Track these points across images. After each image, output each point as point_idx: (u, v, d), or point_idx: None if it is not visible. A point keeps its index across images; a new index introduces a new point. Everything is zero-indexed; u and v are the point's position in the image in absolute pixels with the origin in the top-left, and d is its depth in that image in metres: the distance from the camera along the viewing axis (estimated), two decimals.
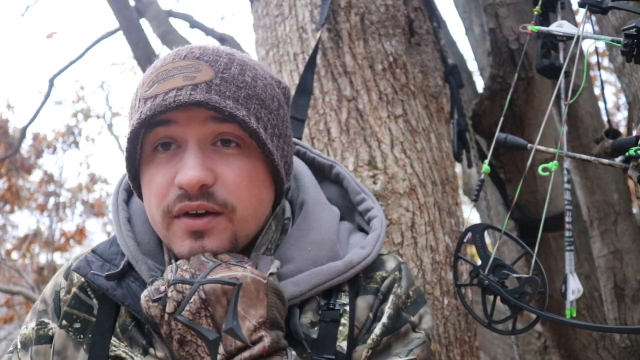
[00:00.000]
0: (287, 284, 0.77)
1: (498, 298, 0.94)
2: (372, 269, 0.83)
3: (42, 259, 7.66)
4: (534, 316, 0.94)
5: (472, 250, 1.22)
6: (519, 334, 0.99)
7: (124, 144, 0.78)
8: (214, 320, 0.66)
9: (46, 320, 0.85)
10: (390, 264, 0.85)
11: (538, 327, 2.39)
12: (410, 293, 0.83)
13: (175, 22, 3.96)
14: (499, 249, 1.98)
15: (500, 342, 2.70)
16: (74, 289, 0.84)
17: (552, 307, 1.86)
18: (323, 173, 0.97)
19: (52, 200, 7.95)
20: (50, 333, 0.83)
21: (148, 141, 0.76)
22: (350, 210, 0.94)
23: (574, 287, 1.15)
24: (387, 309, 0.79)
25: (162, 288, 0.69)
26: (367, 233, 0.88)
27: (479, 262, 0.96)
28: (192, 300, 0.66)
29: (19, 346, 0.85)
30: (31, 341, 0.84)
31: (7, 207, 7.48)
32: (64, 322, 0.82)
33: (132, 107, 0.77)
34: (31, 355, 0.83)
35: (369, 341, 0.77)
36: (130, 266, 0.81)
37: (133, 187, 0.82)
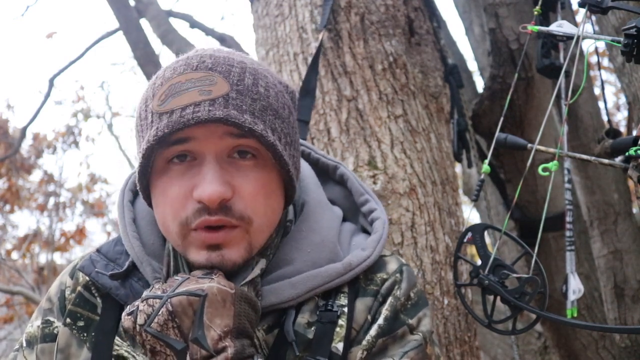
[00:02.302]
0: (285, 286, 0.78)
1: (498, 298, 0.94)
2: (372, 270, 0.83)
3: (42, 259, 7.66)
4: (534, 316, 0.94)
5: (472, 250, 1.22)
6: (519, 334, 0.99)
7: (138, 158, 0.76)
8: (181, 330, 0.67)
9: (51, 319, 0.85)
10: (392, 265, 0.85)
11: (538, 327, 2.39)
12: (411, 295, 0.83)
13: (175, 22, 3.96)
14: (499, 249, 1.98)
15: (500, 342, 2.70)
16: (78, 288, 0.85)
17: (552, 307, 1.86)
18: (327, 174, 0.97)
19: (52, 200, 7.95)
20: (55, 332, 0.84)
21: (162, 155, 0.75)
22: (354, 212, 0.94)
23: (575, 287, 1.15)
24: (384, 311, 0.79)
25: (136, 303, 0.70)
26: (370, 234, 0.88)
27: (479, 262, 0.96)
28: (160, 312, 0.67)
29: (24, 344, 0.86)
30: (36, 339, 0.85)
31: (7, 207, 7.48)
32: (68, 320, 0.82)
33: (144, 120, 0.76)
34: (36, 353, 0.84)
35: (364, 342, 0.77)
36: (134, 266, 0.82)
37: (144, 197, 0.82)
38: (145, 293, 0.71)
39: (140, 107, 0.78)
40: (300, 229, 0.84)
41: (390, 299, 0.80)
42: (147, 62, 3.13)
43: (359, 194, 0.93)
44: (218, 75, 0.73)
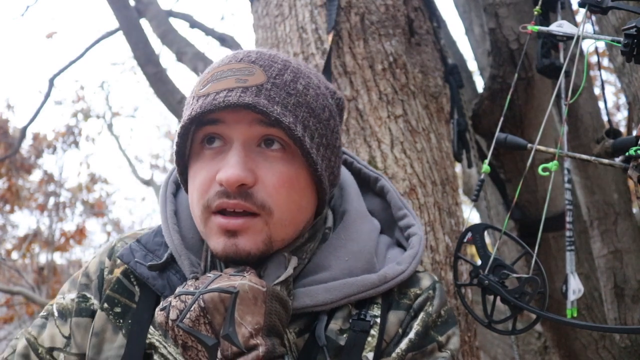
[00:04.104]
0: (320, 289, 0.79)
1: (498, 298, 0.94)
2: (406, 285, 0.84)
3: (42, 259, 7.67)
4: (534, 316, 0.94)
5: (472, 250, 1.22)
6: (519, 334, 0.99)
7: (175, 138, 0.80)
8: (213, 326, 0.68)
9: (88, 295, 0.87)
10: (425, 282, 0.86)
11: (538, 327, 2.39)
12: (442, 312, 0.84)
13: (175, 22, 3.96)
14: (499, 249, 1.98)
15: (500, 342, 2.70)
16: (117, 272, 0.87)
17: (552, 307, 1.86)
18: (368, 185, 0.98)
19: (52, 200, 7.96)
20: (91, 308, 0.86)
21: (197, 138, 0.78)
22: (391, 225, 0.94)
23: (575, 287, 1.15)
24: (416, 326, 0.80)
25: (169, 299, 0.71)
26: (404, 249, 0.89)
27: (479, 262, 0.96)
28: (192, 308, 0.68)
29: (55, 314, 0.87)
30: (70, 312, 0.86)
31: (7, 207, 7.48)
32: (106, 305, 0.84)
33: (187, 104, 0.80)
34: (71, 326, 0.85)
35: (394, 355, 0.78)
36: (172, 259, 0.83)
37: (181, 181, 0.84)
38: (178, 290, 0.72)
39: (189, 94, 0.82)
40: (340, 237, 0.85)
41: (422, 315, 0.81)
42: (147, 62, 3.12)
43: (397, 208, 0.94)
44: (258, 67, 0.76)
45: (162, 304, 0.72)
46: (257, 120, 0.74)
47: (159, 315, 0.71)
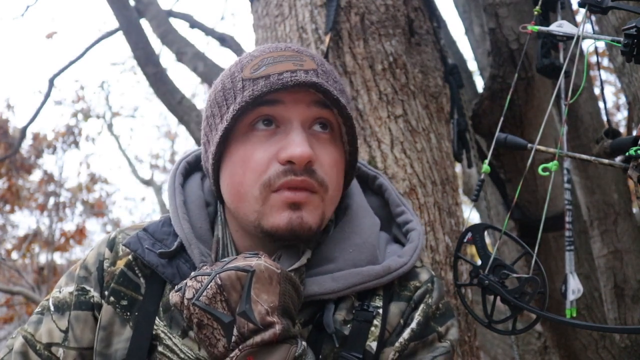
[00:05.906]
0: (326, 279, 0.81)
1: (498, 298, 0.94)
2: (406, 278, 0.87)
3: (42, 258, 7.67)
4: (534, 316, 0.94)
5: (472, 250, 1.22)
6: (519, 334, 0.99)
7: (226, 119, 0.79)
8: (229, 304, 0.69)
9: (87, 288, 0.87)
10: (424, 275, 0.89)
11: (538, 327, 2.39)
12: (440, 305, 0.87)
13: (175, 22, 3.96)
14: (499, 249, 1.97)
15: (500, 342, 2.70)
16: (119, 264, 0.87)
17: (552, 307, 1.86)
18: (366, 183, 1.00)
19: (52, 200, 7.96)
20: (91, 300, 0.86)
21: (246, 120, 0.79)
22: (389, 222, 0.97)
23: (574, 287, 1.15)
24: (417, 316, 0.83)
25: (185, 281, 0.72)
26: (403, 245, 0.91)
27: (479, 262, 0.96)
28: (209, 287, 0.69)
29: (51, 309, 0.87)
30: (69, 306, 0.86)
31: (7, 207, 7.48)
32: (112, 298, 0.84)
33: (230, 89, 0.80)
34: (69, 319, 0.85)
35: (397, 344, 0.80)
36: (182, 248, 0.84)
37: (212, 163, 0.83)
38: (194, 273, 0.73)
39: (224, 81, 0.82)
40: (343, 230, 0.87)
41: (422, 306, 0.84)
42: (147, 62, 3.12)
43: (395, 205, 0.96)
44: (305, 56, 0.82)
45: (177, 286, 0.72)
46: (315, 101, 0.79)
47: (174, 296, 0.72)
